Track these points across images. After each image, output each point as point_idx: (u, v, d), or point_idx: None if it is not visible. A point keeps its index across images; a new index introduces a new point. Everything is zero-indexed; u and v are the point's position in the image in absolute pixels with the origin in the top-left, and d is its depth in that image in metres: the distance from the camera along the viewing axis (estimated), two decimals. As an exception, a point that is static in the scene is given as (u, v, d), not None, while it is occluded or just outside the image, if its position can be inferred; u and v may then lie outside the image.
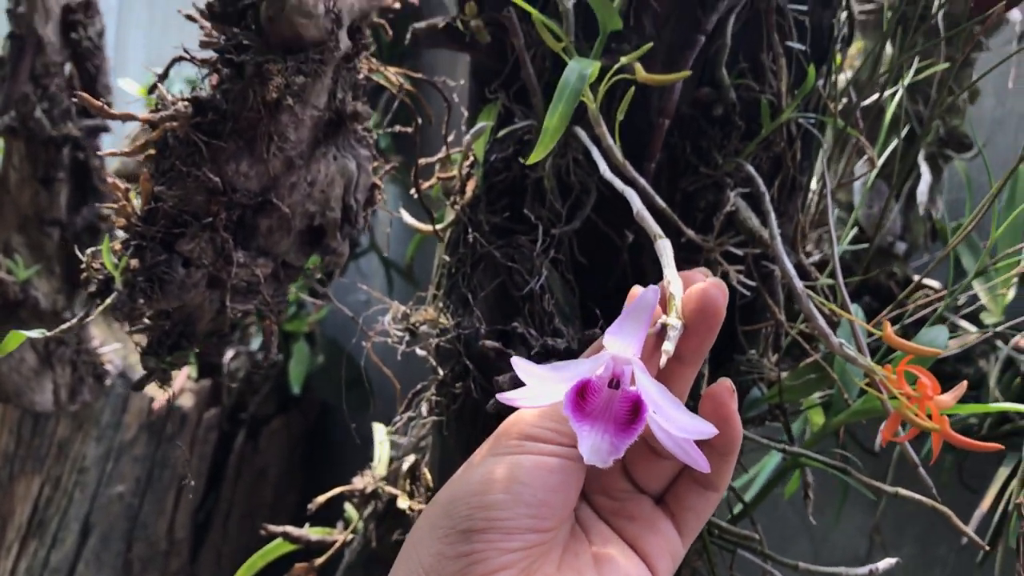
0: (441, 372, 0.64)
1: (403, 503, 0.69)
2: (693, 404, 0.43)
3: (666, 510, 0.44)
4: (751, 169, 0.59)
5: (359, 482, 0.76)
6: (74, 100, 1.13)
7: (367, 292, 0.76)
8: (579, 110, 0.52)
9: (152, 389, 1.47)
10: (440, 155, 0.72)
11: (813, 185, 0.68)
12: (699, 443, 0.39)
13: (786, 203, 0.64)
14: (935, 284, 0.91)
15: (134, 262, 0.50)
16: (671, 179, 0.61)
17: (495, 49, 0.62)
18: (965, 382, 0.49)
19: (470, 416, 0.63)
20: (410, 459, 0.73)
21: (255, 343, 1.73)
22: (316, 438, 1.89)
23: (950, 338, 0.82)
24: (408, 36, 0.65)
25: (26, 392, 1.22)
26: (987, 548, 0.63)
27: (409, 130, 0.66)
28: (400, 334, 0.66)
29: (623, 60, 0.52)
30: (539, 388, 0.39)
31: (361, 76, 0.58)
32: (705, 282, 0.41)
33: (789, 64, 0.60)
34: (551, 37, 0.53)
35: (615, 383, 0.38)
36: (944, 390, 0.49)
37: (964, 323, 0.90)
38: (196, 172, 0.50)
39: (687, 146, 0.60)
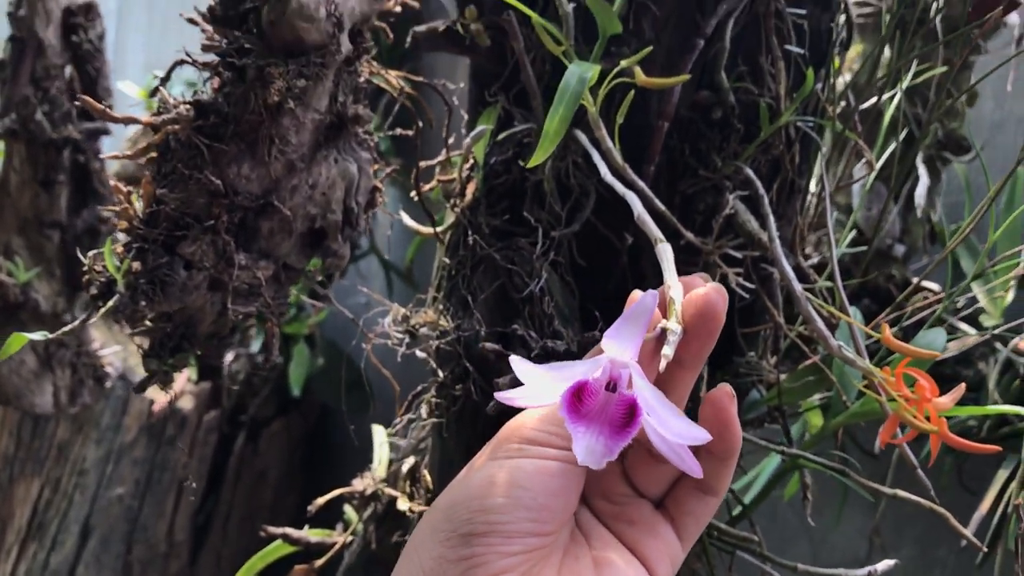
0: (441, 374, 0.65)
1: (403, 505, 0.69)
2: (692, 406, 0.43)
3: (666, 514, 0.44)
4: (750, 172, 0.60)
5: (359, 484, 0.76)
6: (76, 103, 1.13)
7: (367, 294, 0.76)
8: (579, 113, 0.52)
9: (152, 391, 1.47)
10: (440, 158, 0.73)
11: (812, 188, 0.69)
12: (699, 448, 0.39)
13: (785, 206, 0.64)
14: (934, 286, 0.91)
15: (136, 264, 0.50)
16: (670, 182, 0.61)
17: (495, 52, 0.62)
18: (963, 384, 0.49)
19: (470, 418, 0.64)
20: (410, 461, 0.73)
21: (255, 345, 1.73)
22: (316, 440, 1.89)
23: (949, 340, 0.83)
24: (408, 39, 0.65)
25: (26, 394, 1.22)
26: (985, 550, 0.63)
27: (410, 133, 0.66)
28: (400, 336, 0.66)
29: (623, 64, 0.52)
30: (537, 388, 0.39)
31: (362, 79, 0.58)
32: (706, 287, 0.41)
33: (788, 67, 0.60)
34: (551, 41, 0.53)
35: (612, 386, 0.38)
36: (943, 392, 0.49)
37: (963, 325, 0.90)
38: (198, 175, 0.50)
39: (686, 149, 0.61)
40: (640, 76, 0.52)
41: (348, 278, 1.44)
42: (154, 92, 0.52)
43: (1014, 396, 0.89)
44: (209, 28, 0.52)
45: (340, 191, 0.57)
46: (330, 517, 0.78)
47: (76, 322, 0.52)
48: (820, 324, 0.52)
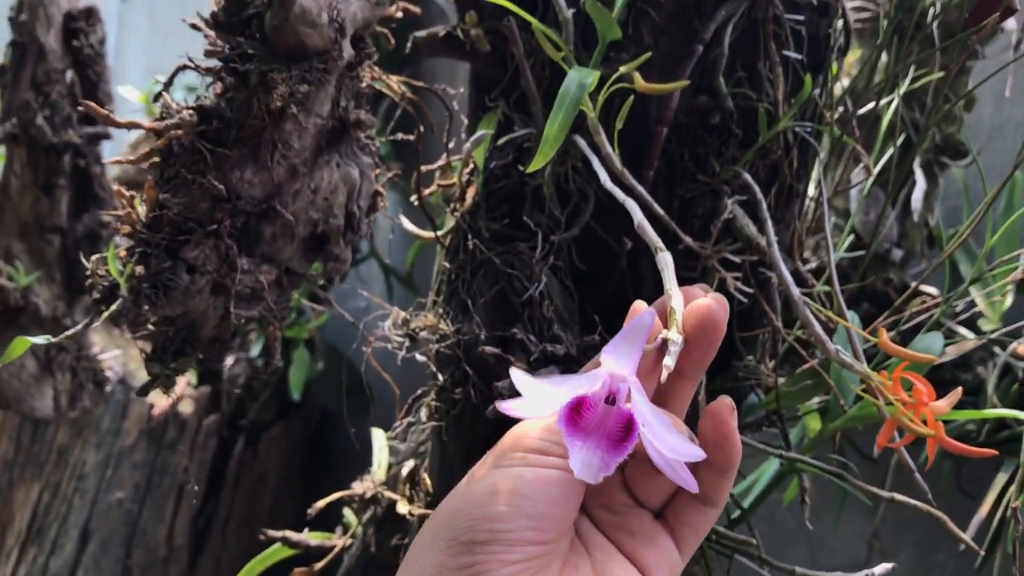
0: (441, 378, 0.65)
1: (402, 508, 0.69)
2: (691, 412, 0.43)
3: (665, 525, 0.44)
4: (748, 177, 0.60)
5: (358, 487, 0.76)
6: (79, 108, 1.13)
7: (367, 298, 0.76)
8: (578, 118, 0.52)
9: (152, 395, 1.48)
10: (441, 162, 0.73)
11: (810, 192, 0.69)
12: (700, 459, 0.40)
13: (783, 210, 0.65)
14: (932, 290, 0.91)
15: (139, 269, 0.50)
16: (669, 186, 0.61)
17: (495, 58, 0.62)
18: (960, 388, 0.49)
19: (469, 421, 0.64)
20: (409, 464, 0.73)
21: (255, 350, 1.74)
22: (316, 444, 1.89)
23: (947, 344, 0.83)
24: (409, 44, 0.66)
25: (26, 398, 1.22)
26: (983, 553, 0.64)
27: (411, 137, 0.66)
28: (400, 340, 0.67)
29: (622, 69, 0.53)
30: (536, 400, 0.39)
31: (364, 84, 0.58)
32: (706, 297, 0.41)
33: (786, 73, 0.61)
34: (551, 46, 0.54)
35: (611, 399, 0.38)
36: (940, 396, 0.49)
37: (962, 329, 0.91)
38: (201, 179, 0.50)
39: (685, 154, 0.61)
40: (639, 82, 0.52)
41: (348, 282, 1.44)
42: (157, 97, 0.52)
43: (1013, 400, 0.89)
44: (212, 34, 0.53)
45: (342, 196, 0.58)
46: (330, 520, 0.78)
47: (79, 326, 0.52)
48: (818, 328, 0.52)
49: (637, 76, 0.52)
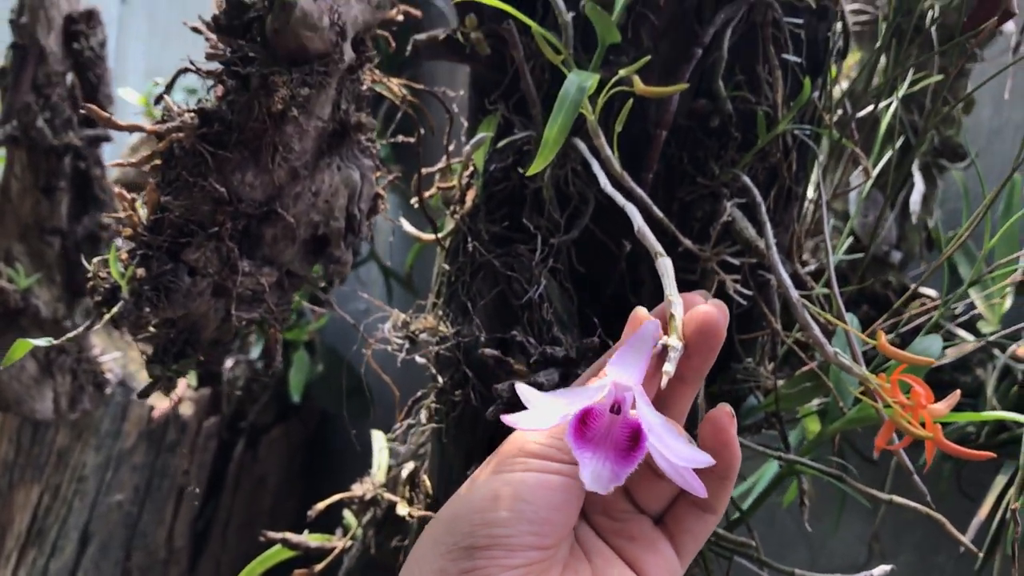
0: (440, 380, 0.65)
1: (402, 510, 0.70)
2: (691, 415, 0.44)
3: (665, 531, 0.44)
4: (747, 180, 0.60)
5: (358, 489, 0.76)
6: (80, 111, 1.13)
7: (367, 300, 0.77)
8: (578, 121, 0.53)
9: (151, 397, 1.47)
10: (440, 165, 0.73)
11: (809, 195, 0.69)
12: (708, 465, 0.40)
13: (782, 213, 0.65)
14: (931, 293, 0.91)
15: (140, 271, 0.50)
16: (668, 189, 0.62)
17: (495, 61, 0.63)
18: (958, 391, 0.49)
19: (469, 423, 0.64)
20: (409, 466, 0.73)
21: (255, 352, 1.74)
22: (315, 447, 1.89)
23: (947, 347, 0.83)
24: (409, 47, 0.66)
25: (26, 400, 1.22)
26: (982, 555, 0.64)
27: (411, 140, 0.67)
28: (400, 342, 0.67)
29: (621, 72, 0.53)
30: (541, 412, 0.40)
31: (364, 87, 0.59)
32: (706, 303, 0.42)
33: (785, 76, 0.61)
34: (550, 50, 0.54)
35: (616, 409, 0.39)
36: (939, 399, 0.49)
37: (961, 332, 0.91)
38: (202, 182, 0.50)
39: (684, 157, 0.61)
40: (638, 85, 0.52)
41: (348, 284, 1.44)
42: (158, 100, 0.52)
43: (1012, 402, 0.89)
44: (213, 37, 0.53)
45: (343, 198, 0.58)
46: (330, 522, 0.78)
47: (80, 328, 0.52)
48: (816, 331, 0.52)
49: (636, 79, 0.52)
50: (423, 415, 0.71)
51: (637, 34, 0.58)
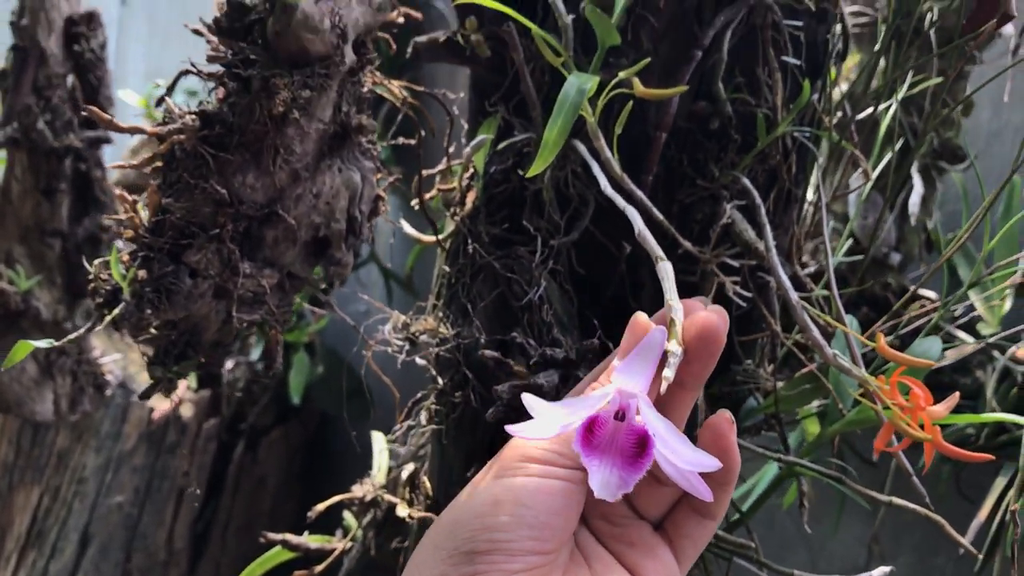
0: (440, 381, 0.65)
1: (402, 511, 0.70)
2: (690, 417, 0.44)
3: (664, 536, 0.44)
4: (747, 182, 0.60)
5: (358, 490, 0.76)
6: (83, 113, 1.13)
7: (367, 302, 0.77)
8: (577, 123, 0.53)
9: (151, 399, 1.47)
10: (441, 167, 0.73)
11: (808, 197, 0.69)
12: (715, 469, 0.40)
13: (782, 215, 0.65)
14: (931, 295, 0.91)
15: (142, 273, 0.50)
16: (668, 191, 0.62)
17: (495, 63, 0.63)
18: (957, 393, 0.50)
19: (469, 425, 0.64)
20: (409, 467, 0.74)
21: (255, 354, 1.74)
22: (315, 448, 1.89)
23: (947, 348, 0.83)
24: (409, 50, 0.66)
25: (27, 402, 1.23)
26: (981, 557, 0.64)
27: (412, 142, 0.67)
28: (400, 343, 0.67)
29: (621, 75, 0.53)
30: (545, 421, 0.40)
31: (365, 89, 0.59)
32: (706, 309, 0.42)
33: (784, 78, 0.61)
34: (550, 52, 0.54)
35: (621, 415, 0.39)
36: (938, 401, 0.49)
37: (961, 333, 0.91)
38: (203, 184, 0.50)
39: (684, 159, 0.61)
40: (638, 87, 0.52)
41: (348, 286, 1.44)
42: (159, 102, 0.52)
43: (1012, 404, 0.89)
44: (214, 39, 0.53)
45: (344, 200, 0.58)
46: (330, 523, 0.78)
47: (81, 330, 0.52)
48: (815, 333, 0.52)
49: (636, 81, 0.52)
50: (423, 416, 0.71)
51: (637, 36, 0.58)
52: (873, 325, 0.64)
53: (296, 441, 1.84)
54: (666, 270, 0.45)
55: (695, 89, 0.60)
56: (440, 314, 0.66)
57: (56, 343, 0.51)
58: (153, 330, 0.53)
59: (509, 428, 0.40)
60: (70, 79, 1.19)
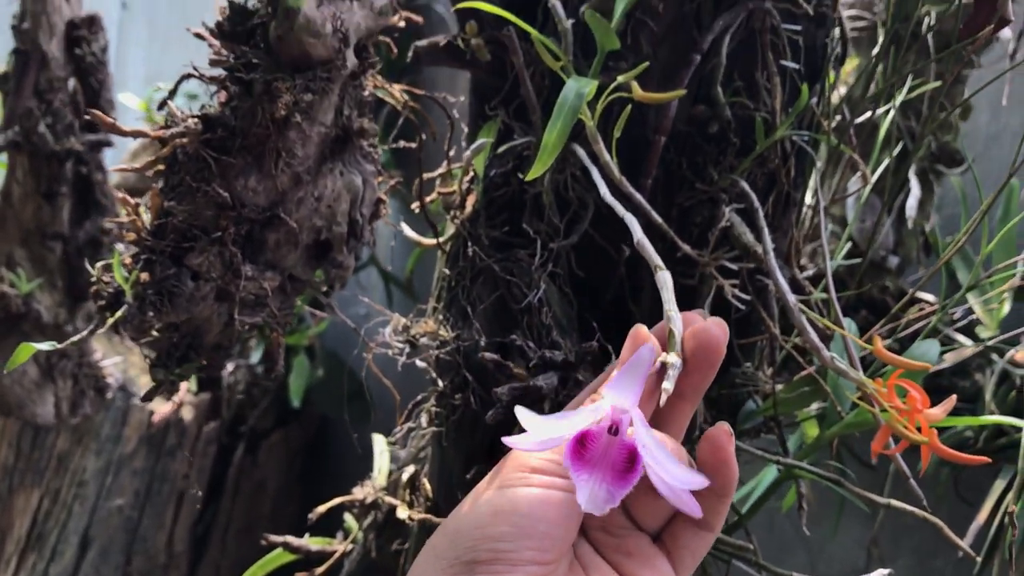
0: (441, 384, 0.65)
1: (402, 513, 0.70)
2: (689, 425, 0.44)
3: (663, 547, 0.44)
4: (746, 185, 0.60)
5: (359, 492, 0.76)
6: (85, 116, 1.14)
7: (367, 305, 0.77)
8: (577, 127, 0.53)
9: (152, 402, 1.47)
10: (441, 170, 0.73)
11: (807, 200, 0.69)
12: (704, 487, 0.40)
13: (780, 218, 0.65)
14: (929, 298, 0.92)
15: (144, 276, 0.51)
16: (667, 195, 0.62)
17: (495, 67, 0.63)
18: (954, 396, 0.50)
19: (469, 427, 0.64)
20: (409, 470, 0.74)
21: (255, 357, 1.74)
22: (315, 451, 1.89)
23: (945, 351, 0.83)
24: (410, 53, 0.66)
25: (27, 405, 1.23)
26: (980, 559, 0.64)
27: (412, 145, 0.67)
28: (400, 346, 0.67)
29: (620, 79, 0.53)
30: (540, 435, 0.40)
31: (367, 93, 0.59)
32: (706, 320, 0.42)
33: (783, 82, 0.61)
34: (550, 56, 0.54)
35: (614, 430, 0.39)
36: (935, 403, 0.49)
37: (959, 336, 0.91)
38: (205, 187, 0.51)
39: (683, 162, 0.61)
40: (637, 91, 0.52)
41: (348, 289, 1.44)
42: (161, 105, 0.53)
43: (1010, 407, 0.90)
44: (216, 43, 0.53)
45: (345, 203, 0.58)
46: (330, 526, 0.78)
47: (83, 333, 0.53)
48: (813, 336, 0.52)
49: (635, 85, 0.52)
50: (423, 419, 0.71)
51: (636, 40, 0.59)
52: (872, 328, 0.64)
53: (296, 444, 1.84)
54: (665, 280, 0.45)
55: (694, 93, 0.60)
56: (440, 317, 0.66)
57: (57, 346, 0.51)
58: (155, 333, 0.53)
59: (506, 440, 0.40)
60: (71, 83, 1.19)
